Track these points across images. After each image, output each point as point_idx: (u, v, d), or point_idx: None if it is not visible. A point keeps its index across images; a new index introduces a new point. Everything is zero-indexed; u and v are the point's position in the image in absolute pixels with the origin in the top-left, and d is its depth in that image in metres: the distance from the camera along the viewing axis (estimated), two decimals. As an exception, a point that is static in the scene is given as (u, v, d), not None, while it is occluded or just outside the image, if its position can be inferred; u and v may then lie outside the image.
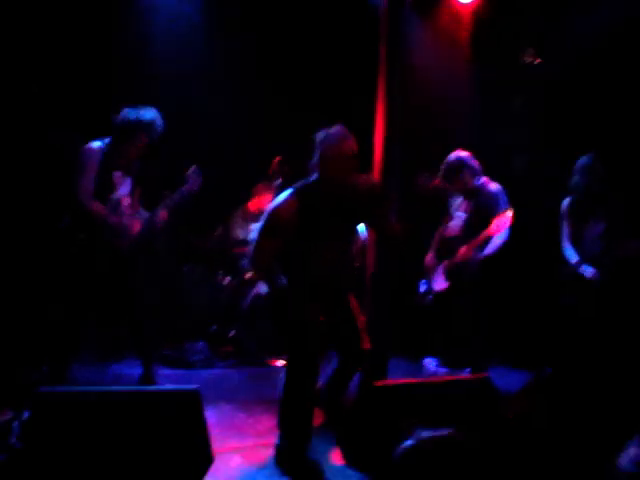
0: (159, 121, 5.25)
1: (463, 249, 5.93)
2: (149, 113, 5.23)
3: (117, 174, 5.27)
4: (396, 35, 5.56)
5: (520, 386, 5.05)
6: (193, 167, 5.50)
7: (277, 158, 6.90)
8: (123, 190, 5.32)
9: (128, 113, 5.23)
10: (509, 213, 5.61)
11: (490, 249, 5.85)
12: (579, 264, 5.84)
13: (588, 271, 5.78)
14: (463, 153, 6.04)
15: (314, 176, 4.19)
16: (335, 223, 4.23)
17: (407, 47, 5.83)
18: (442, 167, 6.07)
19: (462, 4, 7.32)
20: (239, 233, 7.56)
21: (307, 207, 4.10)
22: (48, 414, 2.85)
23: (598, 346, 5.60)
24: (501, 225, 5.63)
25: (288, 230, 4.10)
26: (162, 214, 5.41)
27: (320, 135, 4.17)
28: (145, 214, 5.43)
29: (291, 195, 4.15)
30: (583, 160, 5.88)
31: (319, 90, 7.82)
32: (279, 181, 6.81)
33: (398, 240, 4.61)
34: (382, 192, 4.60)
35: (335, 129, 4.17)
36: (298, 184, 4.23)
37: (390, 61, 5.49)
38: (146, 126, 5.21)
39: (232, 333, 6.93)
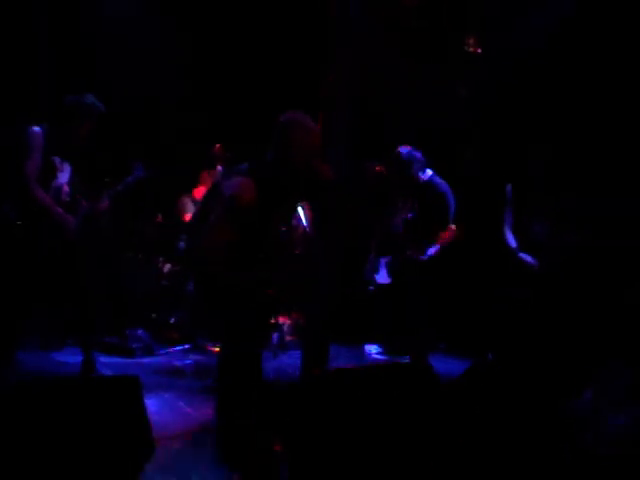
0: (99, 106, 5.23)
1: (407, 253, 5.97)
2: (89, 98, 5.22)
3: (56, 159, 5.22)
4: (342, 24, 5.54)
5: (461, 372, 5.11)
6: (137, 163, 5.51)
7: (218, 145, 6.87)
8: (63, 177, 5.27)
9: (68, 98, 5.21)
10: (453, 227, 5.69)
11: (433, 250, 5.88)
12: (518, 250, 5.93)
13: (527, 258, 5.88)
14: (407, 148, 6.03)
15: (270, 158, 4.10)
16: (285, 208, 4.23)
17: (353, 36, 5.82)
18: (390, 165, 6.07)
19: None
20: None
21: (265, 192, 4.02)
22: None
23: (539, 332, 5.70)
24: (446, 238, 5.70)
25: (247, 216, 4.01)
26: (103, 205, 5.40)
27: (288, 119, 4.04)
28: (84, 204, 5.38)
29: (250, 180, 3.99)
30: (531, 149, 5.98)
31: (261, 79, 7.79)
32: (220, 168, 6.80)
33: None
34: (328, 184, 4.58)
35: (303, 116, 4.06)
36: (253, 168, 4.13)
37: (335, 50, 5.47)
38: (86, 110, 5.18)
39: (173, 320, 6.90)
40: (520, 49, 6.91)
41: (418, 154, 6.00)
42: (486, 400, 3.79)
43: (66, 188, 5.29)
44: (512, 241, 6.02)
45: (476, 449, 3.53)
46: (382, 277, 6.19)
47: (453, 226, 5.70)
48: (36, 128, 5.13)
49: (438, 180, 6.00)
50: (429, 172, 6.04)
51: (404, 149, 6.01)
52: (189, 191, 7.52)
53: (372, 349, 6.86)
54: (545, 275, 5.79)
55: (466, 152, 7.50)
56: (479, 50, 7.57)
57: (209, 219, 4.04)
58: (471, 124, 7.51)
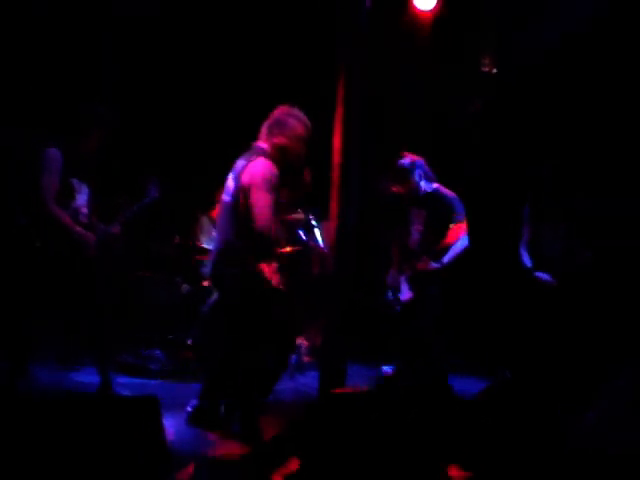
0: (111, 116, 5.30)
1: (420, 262, 5.96)
2: (101, 109, 5.29)
3: (74, 181, 5.24)
4: (356, 43, 5.55)
5: (479, 391, 5.09)
6: (152, 178, 5.54)
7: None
8: (81, 199, 5.28)
9: (81, 109, 5.26)
10: (463, 223, 5.68)
11: (448, 257, 5.87)
12: (533, 270, 5.93)
13: (542, 277, 5.87)
14: (414, 156, 6.07)
15: (265, 147, 4.43)
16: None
17: (367, 52, 5.85)
18: (394, 174, 6.11)
19: (423, 11, 7.33)
20: (203, 240, 7.50)
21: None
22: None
23: (554, 350, 5.68)
24: (456, 234, 5.69)
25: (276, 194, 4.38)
26: (115, 229, 5.43)
27: (287, 112, 4.47)
28: (101, 225, 5.40)
29: (270, 163, 4.37)
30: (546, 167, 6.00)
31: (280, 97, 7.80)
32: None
33: None
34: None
35: (300, 113, 4.48)
36: (263, 153, 4.44)
37: (349, 69, 5.47)
38: (99, 120, 5.24)
39: (190, 341, 6.89)
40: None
41: (420, 162, 6.05)
42: (504, 418, 3.77)
43: (84, 209, 5.30)
44: (527, 261, 6.02)
45: (491, 466, 3.52)
46: (404, 294, 6.18)
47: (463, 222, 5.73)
48: (53, 150, 5.16)
49: (444, 191, 6.01)
50: (436, 184, 6.07)
51: (409, 157, 6.08)
52: (207, 211, 7.52)
53: (390, 370, 6.81)
54: (559, 293, 5.78)
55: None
56: (494, 70, 7.57)
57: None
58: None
